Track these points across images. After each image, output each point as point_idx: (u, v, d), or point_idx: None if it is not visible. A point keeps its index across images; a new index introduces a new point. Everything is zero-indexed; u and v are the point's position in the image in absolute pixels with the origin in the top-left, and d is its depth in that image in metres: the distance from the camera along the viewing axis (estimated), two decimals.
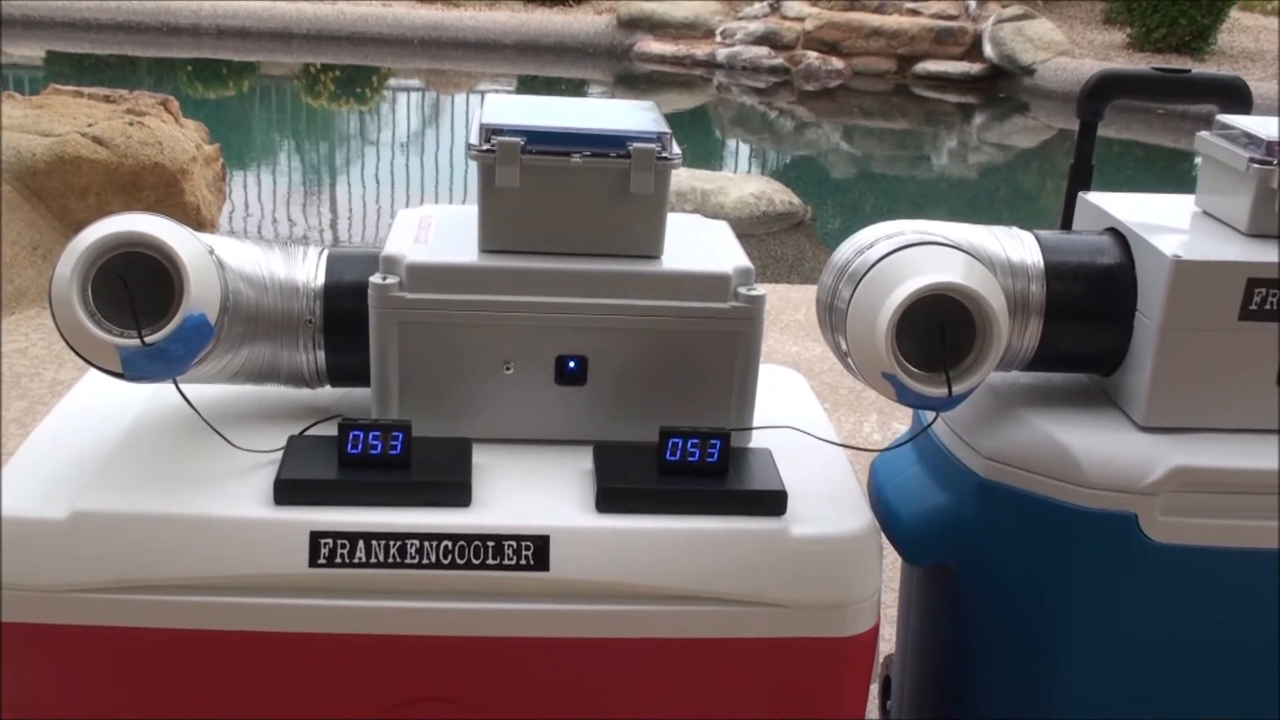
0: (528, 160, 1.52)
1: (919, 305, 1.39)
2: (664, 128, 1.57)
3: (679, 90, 10.79)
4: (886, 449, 1.78)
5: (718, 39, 10.99)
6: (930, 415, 1.75)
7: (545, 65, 11.15)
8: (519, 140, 1.51)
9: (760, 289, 1.56)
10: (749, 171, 8.72)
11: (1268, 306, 1.56)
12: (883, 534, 1.66)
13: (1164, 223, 1.67)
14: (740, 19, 11.11)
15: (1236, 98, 1.87)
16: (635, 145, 1.52)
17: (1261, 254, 1.58)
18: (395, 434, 1.47)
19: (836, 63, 10.75)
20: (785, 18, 11.08)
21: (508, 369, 1.56)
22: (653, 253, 1.57)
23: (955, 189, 8.76)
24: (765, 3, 11.24)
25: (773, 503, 1.48)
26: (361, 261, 1.60)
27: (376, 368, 1.55)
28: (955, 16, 10.96)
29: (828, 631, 1.48)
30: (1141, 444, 1.59)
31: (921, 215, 1.68)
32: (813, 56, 10.76)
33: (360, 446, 1.47)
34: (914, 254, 1.43)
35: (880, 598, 1.55)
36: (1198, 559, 1.58)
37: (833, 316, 1.54)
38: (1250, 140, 1.64)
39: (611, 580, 1.44)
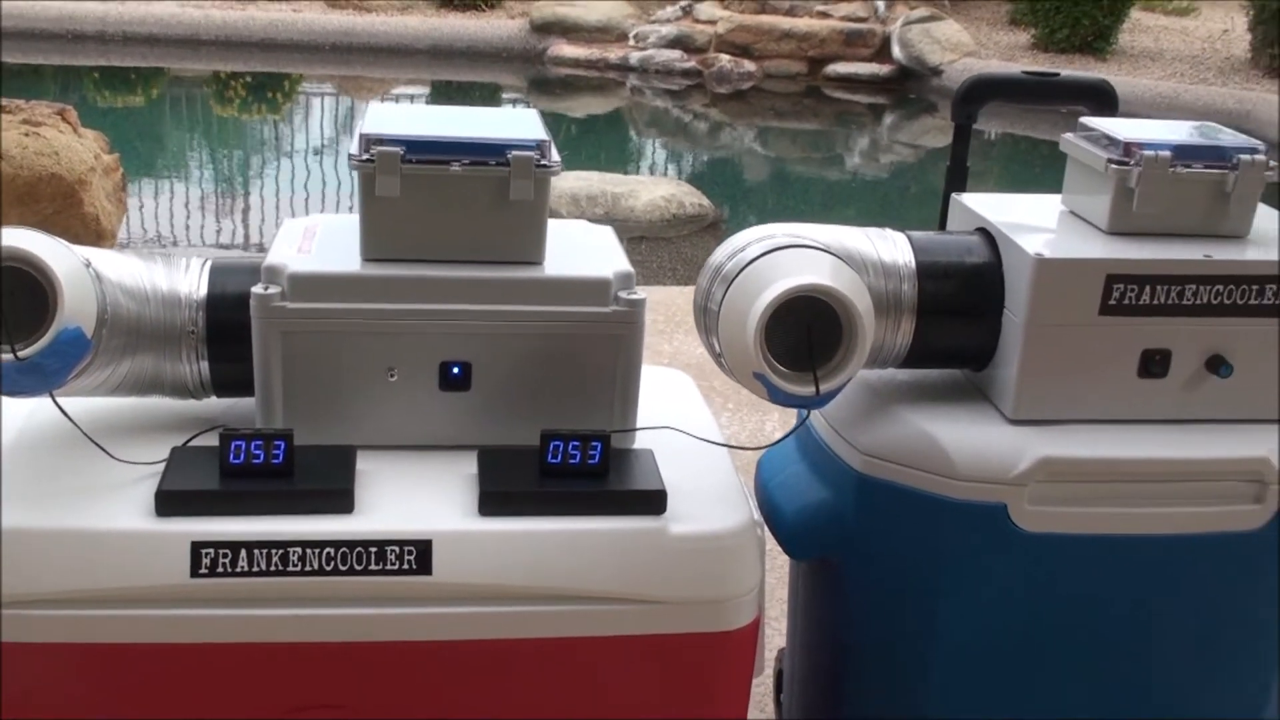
0: (408, 169, 1.54)
1: (787, 306, 1.43)
2: (543, 135, 1.59)
3: (593, 94, 10.81)
4: (767, 447, 1.82)
5: (631, 42, 11.03)
6: (807, 412, 1.79)
7: (459, 70, 11.11)
8: (399, 150, 1.53)
9: (641, 293, 1.59)
10: (665, 174, 8.76)
11: (1126, 301, 1.62)
12: (767, 530, 1.70)
13: (1031, 222, 1.73)
14: (653, 22, 11.15)
15: (1103, 99, 1.94)
16: (514, 153, 1.54)
17: (1120, 251, 1.64)
18: (277, 443, 1.48)
19: (748, 65, 10.83)
20: (697, 21, 11.15)
21: (392, 376, 1.57)
22: (534, 258, 1.60)
23: (866, 189, 8.87)
24: (677, 6, 11.30)
25: (652, 502, 1.51)
26: (245, 272, 1.60)
27: (260, 377, 1.56)
28: (864, 19, 11.09)
29: (708, 627, 1.52)
30: (1010, 436, 1.64)
31: (833, 215, 1.73)
32: (725, 59, 10.84)
33: (242, 456, 1.48)
34: (783, 257, 1.47)
35: (762, 592, 1.59)
36: (1065, 546, 1.64)
37: (707, 318, 1.58)
38: (1109, 141, 1.70)
39: (494, 582, 1.46)
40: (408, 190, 1.54)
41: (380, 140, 1.54)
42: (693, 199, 6.71)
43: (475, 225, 1.57)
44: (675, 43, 10.95)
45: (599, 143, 9.85)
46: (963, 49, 10.62)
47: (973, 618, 1.68)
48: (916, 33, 10.77)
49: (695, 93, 10.75)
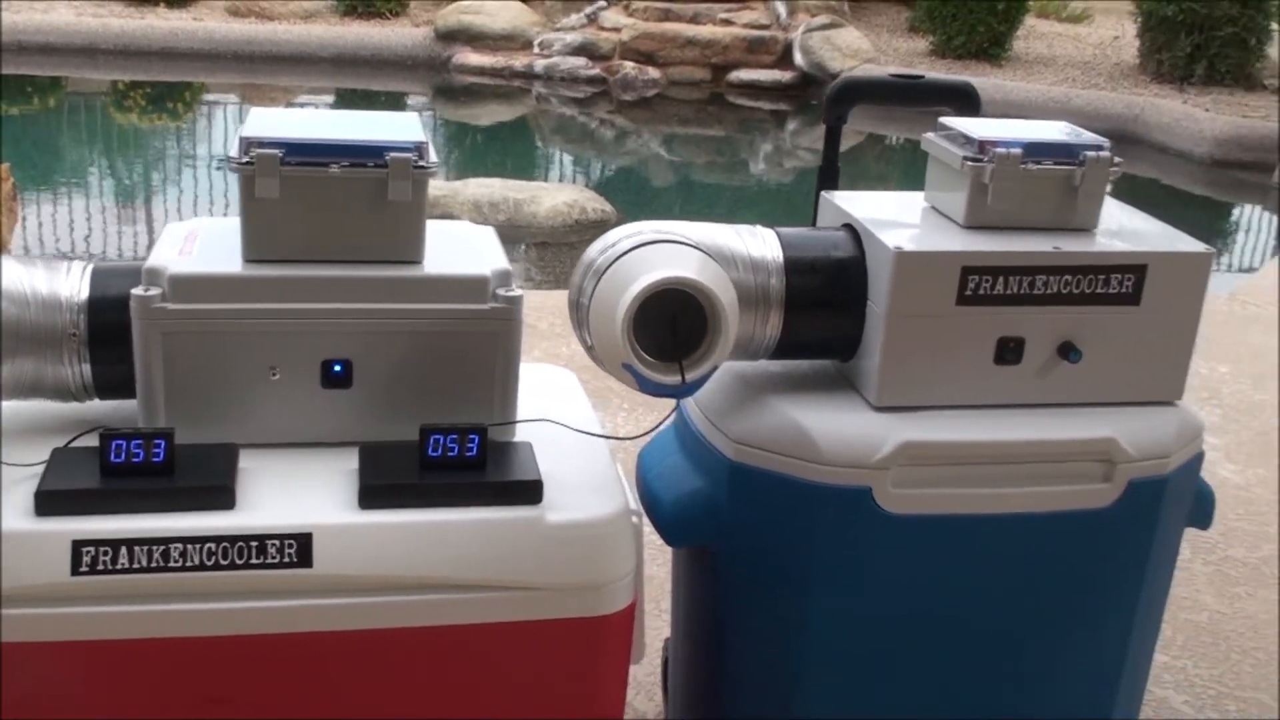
0: (287, 171, 1.57)
1: (655, 299, 1.49)
2: (421, 137, 1.63)
3: (499, 101, 10.81)
4: (642, 436, 1.87)
5: (536, 50, 11.06)
6: (684, 401, 1.85)
7: (363, 79, 11.05)
8: (278, 152, 1.56)
9: (518, 290, 1.64)
10: (573, 181, 8.80)
11: (981, 292, 1.70)
12: (646, 519, 1.76)
13: (893, 218, 1.80)
14: (558, 30, 11.19)
15: (966, 100, 2.03)
16: (392, 155, 1.58)
17: (975, 244, 1.72)
18: (157, 442, 1.51)
19: (653, 72, 10.92)
20: (602, 29, 11.21)
21: (274, 375, 1.60)
22: (413, 258, 1.64)
23: (770, 194, 8.99)
24: (582, 14, 11.35)
25: (528, 492, 1.56)
26: (126, 275, 1.62)
27: (142, 378, 1.58)
28: (767, 26, 11.23)
29: (585, 612, 1.57)
30: (874, 422, 1.71)
31: (736, 219, 1.78)
32: (629, 67, 10.91)
33: (123, 455, 1.50)
34: (650, 252, 1.52)
35: (639, 579, 1.64)
36: (927, 527, 1.72)
37: (579, 312, 1.63)
38: (966, 140, 1.79)
39: (374, 573, 1.50)
40: (287, 192, 1.58)
41: (260, 143, 1.57)
42: (595, 204, 6.76)
43: (355, 226, 1.61)
44: (580, 50, 11.00)
45: (505, 150, 9.86)
46: (863, 55, 10.80)
47: (842, 598, 1.75)
48: (817, 40, 10.93)
49: (600, 100, 10.80)
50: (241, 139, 1.57)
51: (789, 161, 9.96)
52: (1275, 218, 8.46)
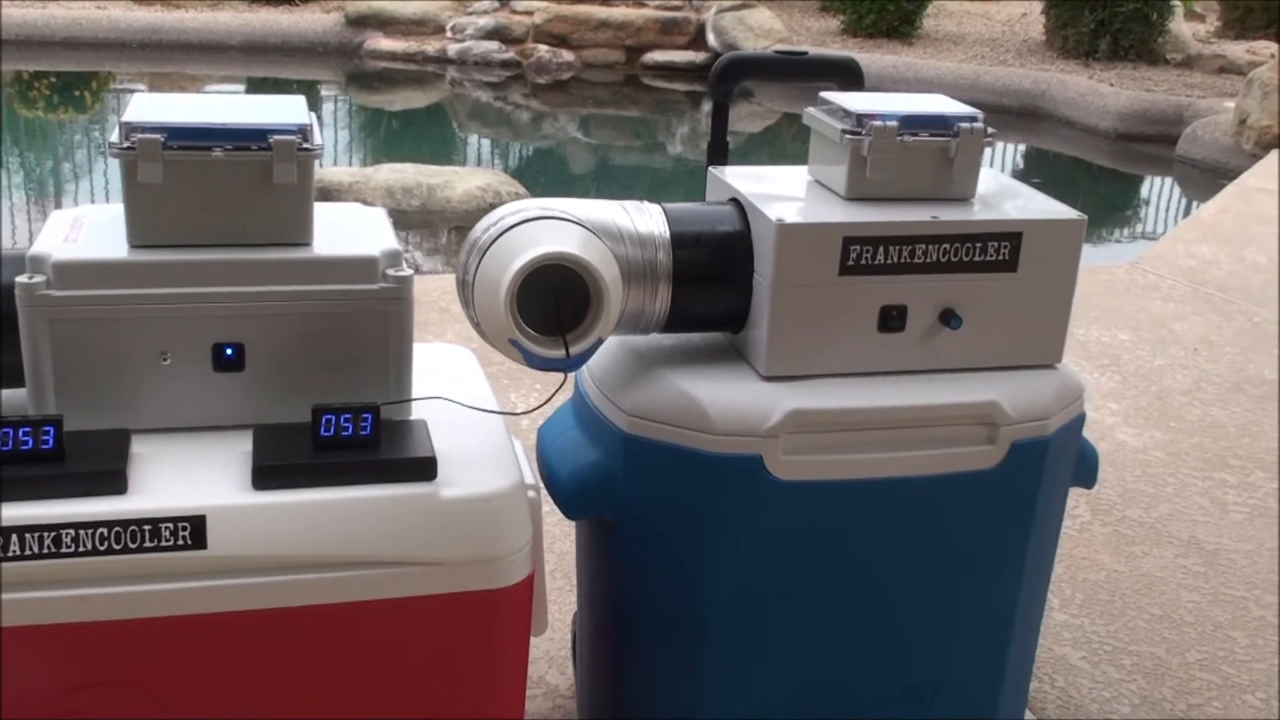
0: (170, 156, 1.57)
1: (538, 274, 1.51)
2: (305, 120, 1.64)
3: (413, 87, 10.76)
4: (532, 410, 1.89)
5: (448, 34, 11.01)
6: (580, 375, 1.87)
7: (274, 66, 10.93)
8: (159, 137, 1.56)
9: (407, 270, 1.65)
10: (492, 166, 8.78)
11: (863, 262, 1.75)
12: (545, 493, 1.79)
13: (778, 192, 1.84)
14: (470, 14, 11.14)
15: (850, 75, 2.06)
16: (276, 138, 1.59)
17: (856, 215, 1.77)
18: (46, 428, 1.50)
19: (567, 55, 10.92)
20: (514, 12, 11.18)
21: (165, 360, 1.61)
22: (301, 239, 1.64)
23: (687, 174, 9.03)
24: None
25: (423, 469, 1.57)
26: (11, 263, 1.61)
27: (30, 367, 1.57)
28: (679, 7, 11.27)
29: (482, 585, 1.59)
30: (763, 392, 1.75)
31: (653, 199, 1.80)
32: (543, 50, 10.90)
33: (10, 443, 1.49)
34: (533, 228, 1.55)
35: (537, 551, 1.67)
36: (818, 493, 1.76)
37: (464, 290, 1.65)
38: (844, 114, 1.83)
39: (269, 554, 1.51)
40: (171, 177, 1.58)
41: (141, 128, 1.57)
42: (509, 188, 6.77)
43: (241, 209, 1.61)
44: (493, 34, 10.97)
45: (421, 135, 9.82)
46: (775, 35, 10.89)
47: (737, 567, 1.79)
48: (730, 20, 11.00)
49: (515, 84, 10.79)
50: (122, 124, 1.57)
51: (704, 142, 10.01)
52: (1177, 189, 8.66)
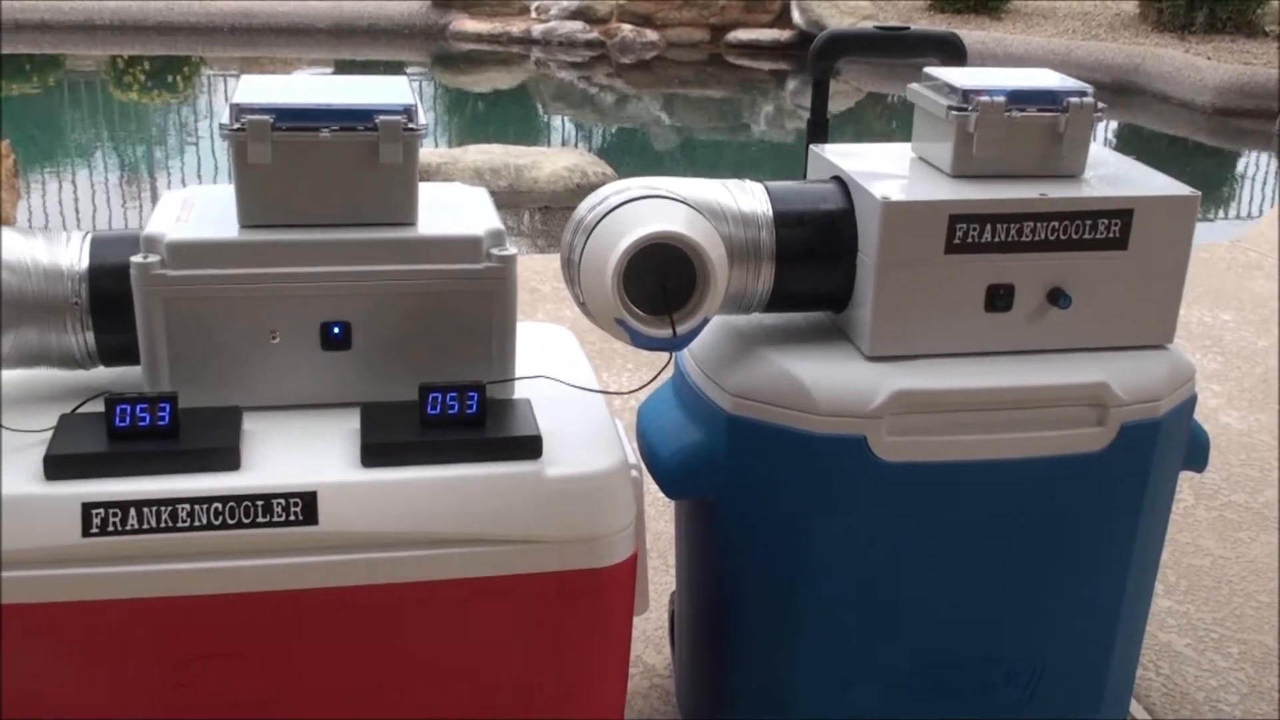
0: (278, 137, 1.59)
1: (644, 254, 1.51)
2: (410, 100, 1.65)
3: (498, 68, 10.79)
4: (639, 389, 1.89)
5: (533, 15, 11.03)
6: (681, 355, 1.87)
7: (361, 48, 11.04)
8: (268, 118, 1.58)
9: (511, 249, 1.66)
10: (575, 147, 8.80)
11: (969, 240, 1.72)
12: (646, 473, 1.79)
13: (881, 169, 1.82)
14: None
15: (951, 51, 2.04)
16: (382, 118, 1.60)
17: (962, 192, 1.74)
18: (162, 405, 1.53)
19: (651, 34, 10.88)
20: None
21: (274, 338, 1.63)
22: (407, 219, 1.66)
23: (771, 153, 8.98)
24: None
25: (528, 447, 1.58)
26: (125, 243, 1.64)
27: (144, 345, 1.61)
28: None
29: (586, 564, 1.60)
30: (867, 372, 1.74)
31: (742, 179, 1.80)
32: (627, 29, 10.88)
33: (128, 420, 1.53)
34: (639, 207, 1.54)
35: (640, 531, 1.67)
36: (923, 474, 1.74)
37: (569, 269, 1.65)
38: (950, 90, 1.80)
39: (378, 530, 1.53)
40: (280, 157, 1.60)
41: (251, 109, 1.59)
42: (596, 168, 6.77)
43: (347, 189, 1.63)
44: (577, 14, 10.97)
45: (506, 116, 9.85)
46: (861, 12, 10.75)
47: (840, 546, 1.77)
48: None
49: (599, 64, 10.78)
50: (232, 106, 1.59)
51: (790, 121, 9.93)
52: (1277, 164, 8.44)
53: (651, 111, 9.96)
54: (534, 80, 10.67)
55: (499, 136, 7.77)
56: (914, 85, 1.88)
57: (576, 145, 8.87)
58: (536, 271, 4.51)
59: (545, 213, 6.37)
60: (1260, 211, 7.18)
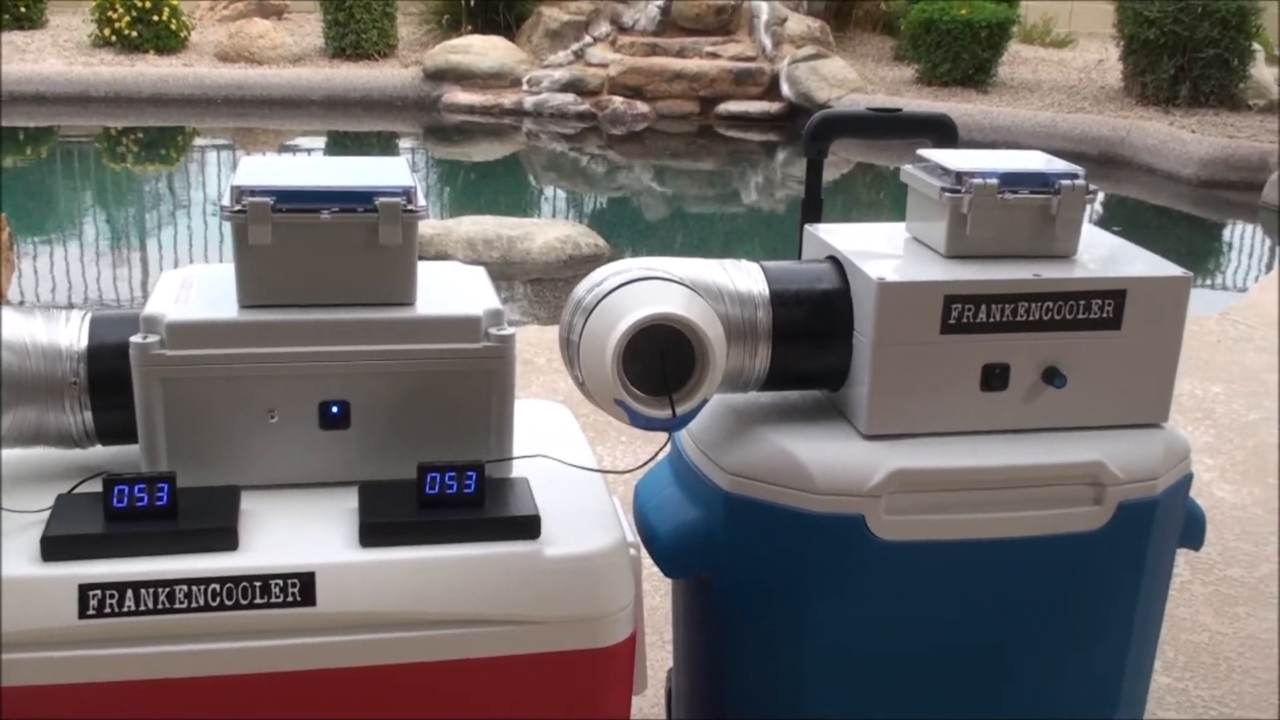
0: (279, 218, 1.61)
1: (643, 334, 1.52)
2: (410, 182, 1.67)
3: (489, 139, 10.89)
4: (638, 468, 1.90)
5: (524, 87, 11.15)
6: (678, 433, 1.87)
7: (354, 120, 11.13)
8: (269, 200, 1.60)
9: (510, 329, 1.67)
10: (566, 217, 8.86)
11: (965, 320, 1.74)
12: (644, 551, 1.78)
13: (876, 249, 1.84)
14: (545, 67, 11.28)
15: (944, 132, 2.06)
16: (381, 200, 1.62)
17: (957, 273, 1.76)
18: (160, 485, 1.53)
19: (641, 106, 11.00)
20: (589, 64, 11.30)
21: (272, 417, 1.63)
22: (405, 299, 1.67)
23: (762, 224, 9.05)
24: (569, 51, 11.45)
25: (527, 527, 1.58)
26: (124, 323, 1.65)
27: (143, 424, 1.61)
28: (753, 58, 11.33)
29: (585, 644, 1.59)
30: (864, 451, 1.74)
31: (730, 250, 1.82)
32: (618, 101, 11.00)
33: (126, 500, 1.53)
34: (638, 289, 1.56)
35: (638, 610, 1.67)
36: (921, 553, 1.74)
37: (569, 349, 1.66)
38: (943, 171, 1.82)
39: (376, 610, 1.53)
40: (280, 238, 1.61)
41: (251, 191, 1.60)
42: (588, 239, 6.81)
43: (347, 270, 1.64)
44: (568, 86, 11.09)
45: (498, 187, 9.92)
46: (849, 85, 10.89)
47: (838, 625, 1.77)
48: (804, 70, 11.03)
49: (590, 135, 10.88)
50: (233, 188, 1.61)
51: (780, 192, 10.02)
52: (1264, 236, 8.52)
53: (643, 182, 10.04)
54: (525, 151, 10.76)
55: (491, 207, 7.83)
56: (907, 167, 1.90)
57: (568, 215, 8.92)
58: (531, 343, 4.52)
59: (538, 284, 6.40)
60: (1246, 283, 7.24)
